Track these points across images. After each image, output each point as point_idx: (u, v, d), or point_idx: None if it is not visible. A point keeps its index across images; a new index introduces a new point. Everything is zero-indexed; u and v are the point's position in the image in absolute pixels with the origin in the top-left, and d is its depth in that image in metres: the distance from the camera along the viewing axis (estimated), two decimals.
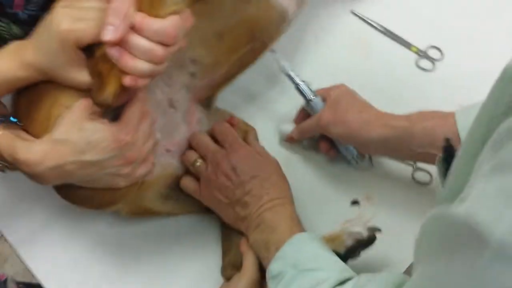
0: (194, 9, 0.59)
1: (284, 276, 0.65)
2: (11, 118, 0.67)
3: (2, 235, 0.81)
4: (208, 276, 0.79)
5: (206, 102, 0.82)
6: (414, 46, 0.96)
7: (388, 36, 0.97)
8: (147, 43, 0.56)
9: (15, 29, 0.69)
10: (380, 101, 0.81)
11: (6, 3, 0.66)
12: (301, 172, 0.86)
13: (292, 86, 0.84)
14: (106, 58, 0.58)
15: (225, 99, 0.87)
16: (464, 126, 0.68)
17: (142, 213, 0.78)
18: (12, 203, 0.83)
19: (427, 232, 0.42)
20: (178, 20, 0.57)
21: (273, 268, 0.68)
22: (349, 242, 0.73)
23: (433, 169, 0.81)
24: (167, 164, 0.77)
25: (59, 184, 0.69)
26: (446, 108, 0.87)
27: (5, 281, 1.01)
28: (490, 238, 0.33)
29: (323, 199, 0.84)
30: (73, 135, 0.62)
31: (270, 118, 0.90)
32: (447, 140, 0.58)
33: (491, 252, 0.33)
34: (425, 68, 0.95)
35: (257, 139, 0.84)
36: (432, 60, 0.95)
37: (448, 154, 0.59)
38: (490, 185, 0.36)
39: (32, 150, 0.61)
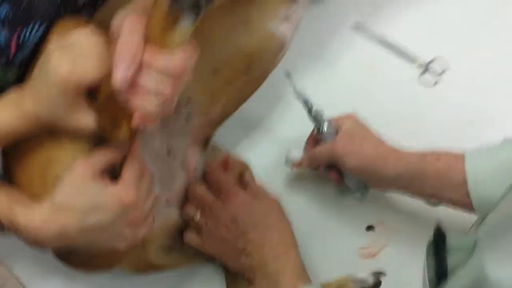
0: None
1: None
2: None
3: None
4: None
5: (204, 143, 0.79)
6: (418, 59, 0.93)
7: (391, 50, 0.95)
8: (156, 81, 0.53)
9: (10, 75, 0.66)
10: (386, 117, 0.82)
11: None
12: (309, 199, 0.84)
13: (297, 110, 0.80)
14: (114, 98, 0.55)
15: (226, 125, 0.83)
16: (472, 172, 0.68)
17: (147, 270, 0.74)
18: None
19: None
20: (186, 53, 0.53)
21: None
22: None
23: None
24: (167, 214, 0.73)
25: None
26: (453, 120, 0.89)
27: None
28: None
29: (336, 227, 0.82)
30: (76, 198, 0.59)
31: (275, 143, 0.88)
32: (438, 228, 0.62)
33: None
34: (429, 81, 0.92)
35: (253, 179, 0.81)
36: (436, 73, 0.92)
37: (438, 238, 0.68)
38: None
39: (33, 216, 0.58)
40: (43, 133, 0.61)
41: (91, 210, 0.59)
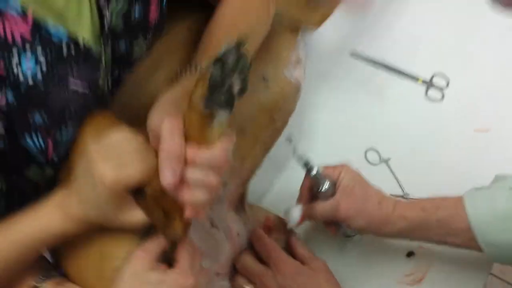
0: None
1: None
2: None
3: None
4: None
5: (239, 203, 0.78)
6: (420, 78, 0.95)
7: (392, 72, 0.96)
8: (202, 174, 0.55)
9: (49, 171, 0.66)
10: (396, 139, 0.86)
11: (37, 151, 0.63)
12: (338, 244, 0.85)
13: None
14: (163, 194, 0.56)
15: None
16: (473, 214, 0.71)
17: None
18: None
19: None
20: (226, 144, 0.55)
21: None
22: None
23: None
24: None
25: None
26: (462, 134, 0.90)
27: None
28: None
29: (377, 261, 0.83)
30: None
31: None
32: None
33: None
34: (434, 98, 0.94)
35: (300, 244, 0.79)
36: (440, 88, 0.94)
37: None
38: None
39: None
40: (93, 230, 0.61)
41: None
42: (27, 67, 0.55)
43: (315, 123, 0.93)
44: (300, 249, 0.78)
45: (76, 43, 0.58)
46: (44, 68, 0.56)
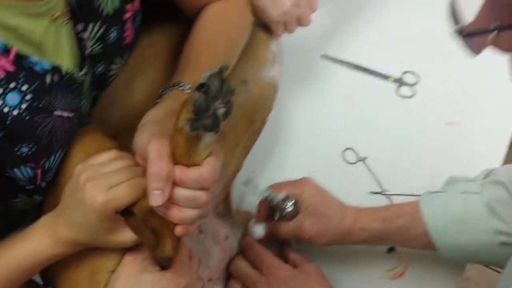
0: None
1: None
2: None
3: None
4: None
5: (224, 206, 0.78)
6: (392, 77, 0.97)
7: (364, 72, 0.98)
8: (191, 193, 0.55)
9: (37, 197, 0.66)
10: (372, 137, 0.89)
11: (25, 180, 0.63)
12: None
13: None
14: (152, 214, 0.57)
15: None
16: (429, 219, 0.74)
17: None
18: None
19: None
20: (213, 162, 0.55)
21: None
22: None
23: None
24: None
25: None
26: (433, 129, 0.93)
27: None
28: None
29: (357, 257, 0.84)
30: None
31: None
32: None
33: None
34: (406, 95, 0.96)
35: (292, 251, 0.80)
36: (410, 86, 0.97)
37: None
38: None
39: None
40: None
41: None
42: (11, 97, 0.55)
43: (291, 125, 0.94)
44: (292, 254, 0.79)
45: (58, 71, 0.59)
46: (28, 97, 0.56)
